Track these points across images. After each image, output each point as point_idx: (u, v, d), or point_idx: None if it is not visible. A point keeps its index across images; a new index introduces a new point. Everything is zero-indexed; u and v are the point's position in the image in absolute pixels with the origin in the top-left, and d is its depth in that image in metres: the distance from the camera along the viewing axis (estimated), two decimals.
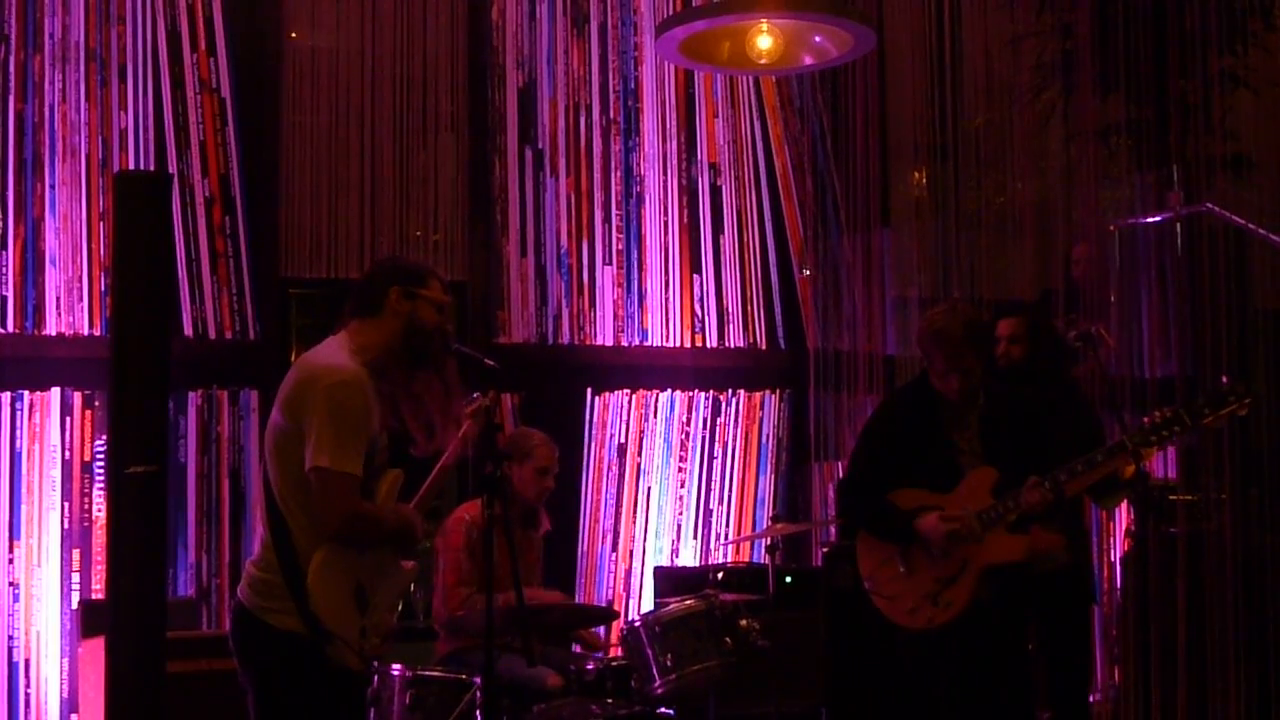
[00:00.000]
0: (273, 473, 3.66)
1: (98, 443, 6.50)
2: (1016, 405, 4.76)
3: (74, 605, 6.40)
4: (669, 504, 7.63)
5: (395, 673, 4.82)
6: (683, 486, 7.67)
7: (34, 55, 6.61)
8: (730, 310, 7.88)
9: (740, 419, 7.83)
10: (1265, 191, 6.62)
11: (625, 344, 7.67)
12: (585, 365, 7.58)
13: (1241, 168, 6.67)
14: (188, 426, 6.73)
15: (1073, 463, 4.53)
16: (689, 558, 7.62)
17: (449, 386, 3.82)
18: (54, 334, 6.57)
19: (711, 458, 7.75)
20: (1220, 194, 6.30)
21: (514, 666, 4.94)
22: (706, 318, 7.82)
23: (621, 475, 7.57)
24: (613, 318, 7.65)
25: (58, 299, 6.58)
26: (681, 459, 7.69)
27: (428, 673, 4.89)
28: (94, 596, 6.32)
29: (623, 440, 7.59)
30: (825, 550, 6.64)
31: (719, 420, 7.78)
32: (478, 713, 4.64)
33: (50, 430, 6.49)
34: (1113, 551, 6.61)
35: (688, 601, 5.30)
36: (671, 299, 7.76)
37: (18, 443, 6.45)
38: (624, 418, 7.60)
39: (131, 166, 6.68)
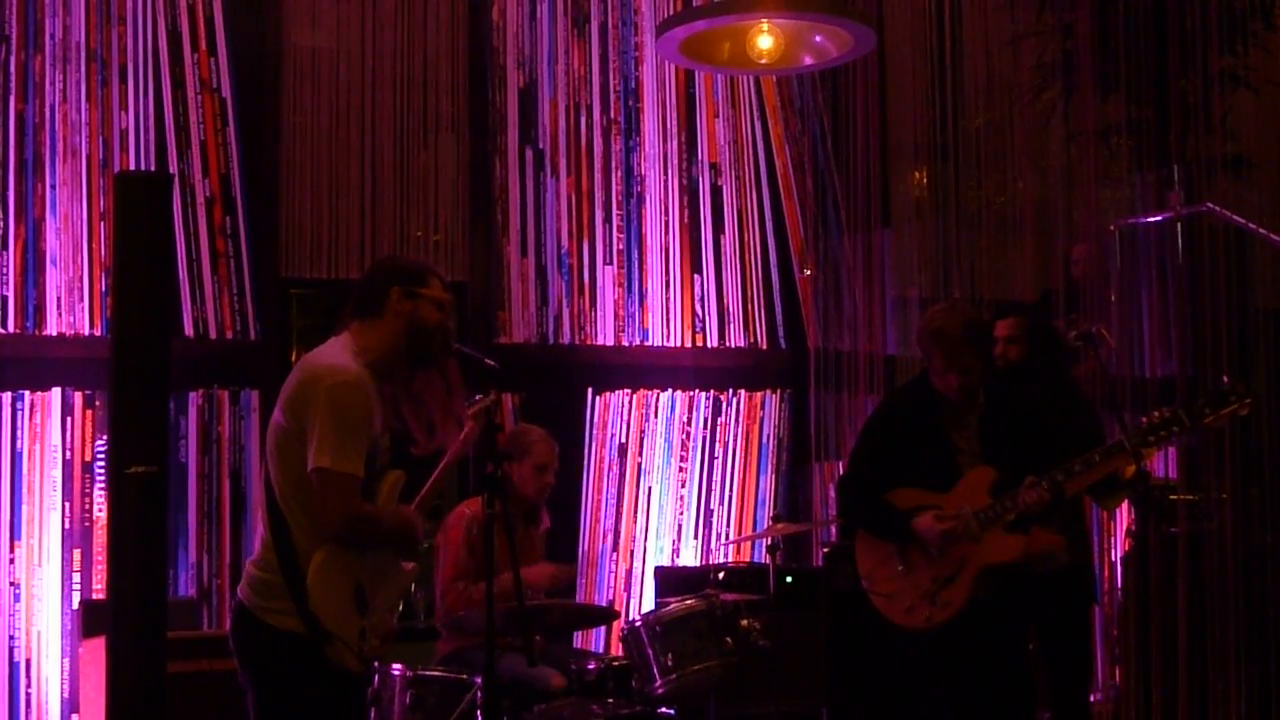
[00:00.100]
0: (274, 473, 3.66)
1: (98, 443, 6.50)
2: (1016, 405, 4.76)
3: (75, 605, 6.40)
4: (670, 504, 7.64)
5: (396, 673, 4.82)
6: (683, 486, 7.67)
7: (35, 55, 6.61)
8: (731, 310, 7.88)
9: (741, 419, 7.83)
10: (1265, 191, 6.62)
11: (626, 344, 7.67)
12: (586, 365, 7.58)
13: (1242, 167, 6.66)
14: (188, 427, 6.73)
15: (1070, 463, 4.54)
16: (690, 558, 7.63)
17: (450, 385, 3.82)
18: (55, 334, 6.57)
19: (712, 458, 7.76)
20: (1221, 194, 6.30)
21: (515, 666, 4.94)
22: (707, 318, 7.83)
23: (622, 475, 7.57)
24: (613, 318, 7.65)
25: (58, 299, 6.58)
26: (682, 459, 7.69)
27: (428, 673, 4.90)
28: (95, 596, 6.32)
29: (623, 440, 7.59)
30: (826, 550, 6.64)
31: (720, 420, 7.78)
32: (478, 713, 4.64)
33: (51, 430, 6.50)
34: (1114, 551, 6.61)
35: (688, 601, 5.30)
36: (672, 299, 7.76)
37: (19, 443, 6.45)
38: (625, 418, 7.60)
39: (132, 167, 6.68)
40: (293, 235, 7.08)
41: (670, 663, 5.12)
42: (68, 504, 6.48)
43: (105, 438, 6.34)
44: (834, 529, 7.11)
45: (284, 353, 7.06)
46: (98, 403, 6.51)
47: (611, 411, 7.58)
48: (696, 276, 7.81)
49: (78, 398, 6.53)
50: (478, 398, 4.14)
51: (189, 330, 6.78)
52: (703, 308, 7.82)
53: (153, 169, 6.69)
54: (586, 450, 7.50)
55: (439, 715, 4.73)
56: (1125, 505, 6.27)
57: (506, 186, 7.49)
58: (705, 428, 7.75)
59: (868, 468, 4.84)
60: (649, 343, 7.71)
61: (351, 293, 3.83)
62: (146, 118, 6.77)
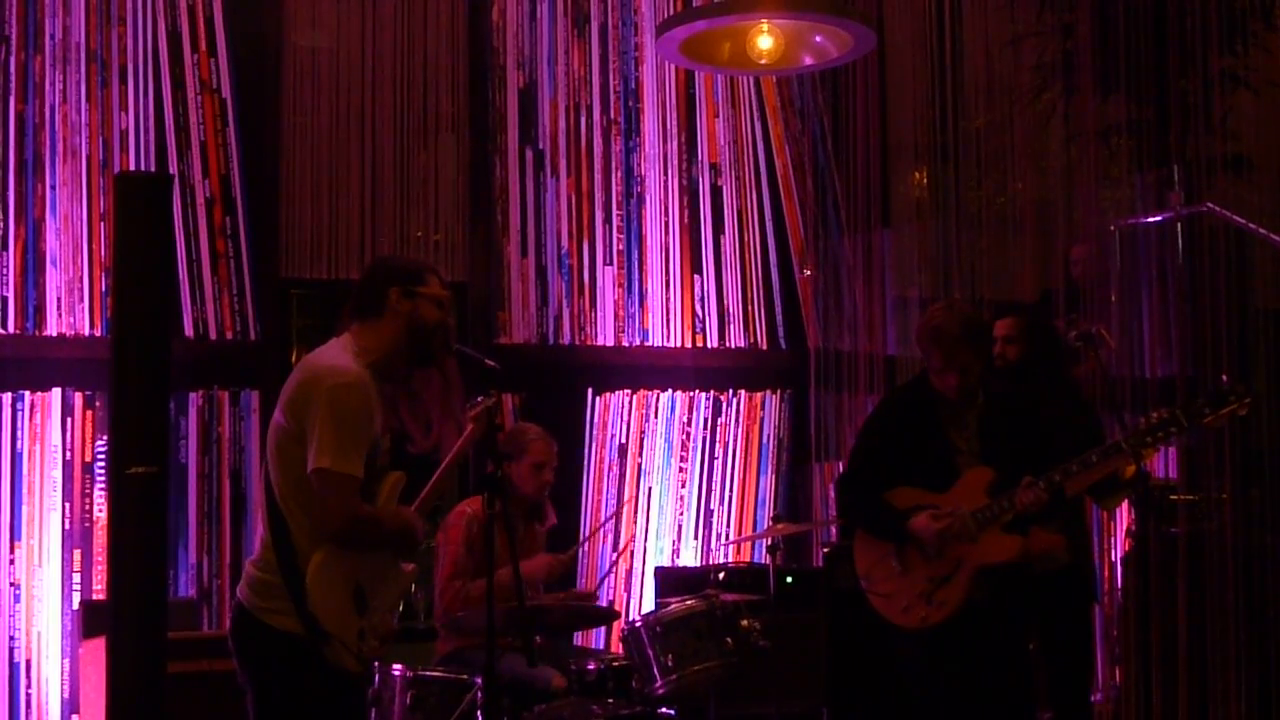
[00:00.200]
0: (274, 473, 3.66)
1: (99, 443, 6.50)
2: (1015, 405, 4.75)
3: (75, 606, 6.40)
4: (670, 504, 7.64)
5: (396, 673, 4.82)
6: (684, 487, 7.67)
7: (35, 56, 6.61)
8: (731, 310, 7.88)
9: (741, 419, 7.83)
10: (1265, 191, 6.61)
11: (626, 344, 7.67)
12: (586, 365, 7.58)
13: (1242, 168, 6.66)
14: (188, 427, 6.73)
15: (1068, 463, 4.54)
16: (690, 558, 7.63)
17: (448, 382, 3.81)
18: (55, 335, 6.57)
19: (712, 458, 7.76)
20: (1221, 194, 6.30)
21: (515, 666, 4.94)
22: (707, 318, 7.83)
23: (622, 475, 7.57)
24: (613, 318, 7.65)
25: (58, 300, 6.58)
26: (682, 459, 7.69)
27: (428, 673, 4.90)
28: (95, 597, 6.32)
29: (623, 440, 7.59)
30: (826, 550, 6.64)
31: (720, 420, 7.78)
32: (479, 713, 4.64)
33: (51, 431, 6.50)
34: (1114, 551, 6.61)
35: (689, 602, 5.30)
36: (672, 299, 7.76)
37: (19, 443, 6.45)
38: (625, 418, 7.60)
39: (132, 167, 6.69)
40: (293, 235, 7.08)
41: (670, 663, 5.11)
42: (68, 504, 6.49)
43: (105, 438, 6.35)
44: (834, 529, 7.11)
45: (284, 353, 7.06)
46: (98, 403, 6.51)
47: (612, 412, 7.58)
48: (696, 277, 7.81)
49: (78, 398, 6.54)
50: (479, 399, 4.13)
51: (189, 331, 6.78)
52: (703, 308, 7.82)
53: (153, 169, 6.69)
54: (587, 451, 7.50)
55: (439, 715, 4.73)
56: (1125, 505, 6.27)
57: (506, 187, 7.49)
58: (705, 428, 7.75)
59: (866, 467, 4.84)
60: (649, 343, 7.71)
61: (350, 294, 3.83)
62: (146, 118, 6.77)
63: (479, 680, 4.64)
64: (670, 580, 7.07)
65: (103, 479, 6.43)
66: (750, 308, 7.92)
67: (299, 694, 3.61)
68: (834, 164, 7.87)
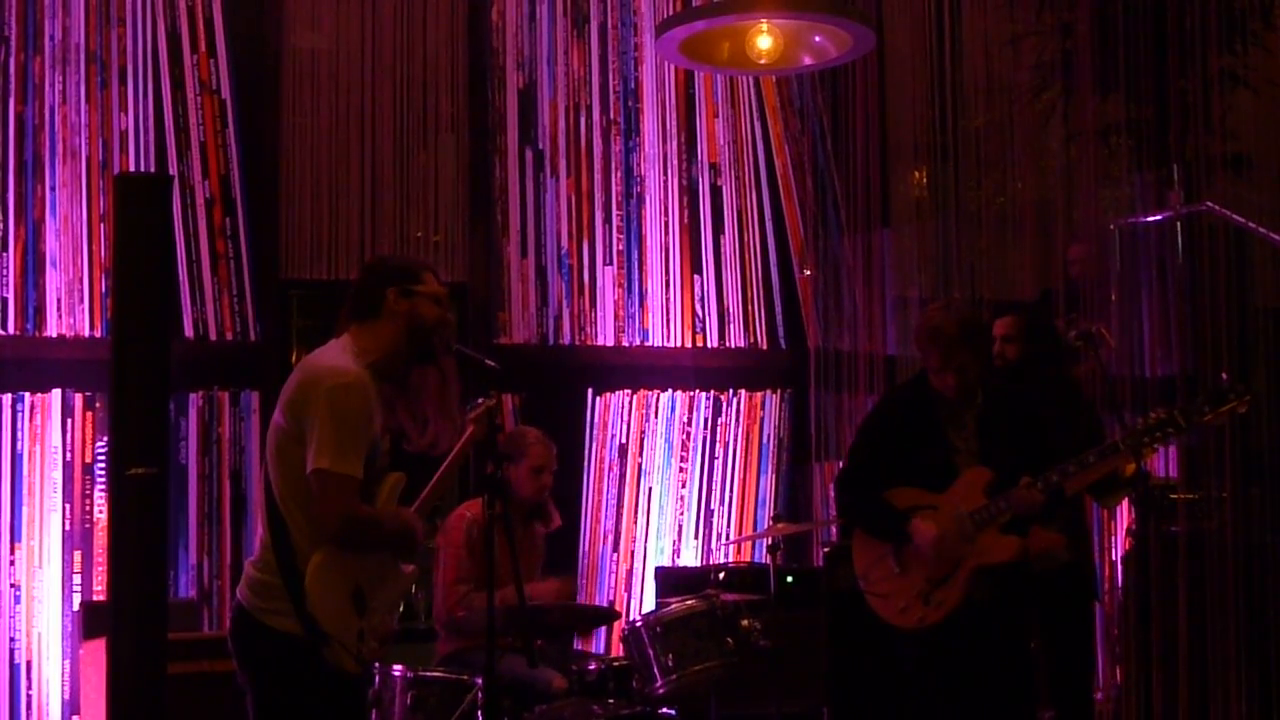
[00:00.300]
0: (273, 474, 3.66)
1: (99, 444, 6.50)
2: (1014, 405, 4.75)
3: (75, 607, 6.40)
4: (670, 504, 7.64)
5: (396, 674, 4.82)
6: (684, 486, 7.67)
7: (34, 57, 6.61)
8: (731, 310, 7.88)
9: (741, 419, 7.83)
10: (1265, 190, 6.62)
11: (626, 344, 7.67)
12: (586, 366, 7.58)
13: (1241, 167, 6.66)
14: (189, 428, 6.73)
15: (1065, 464, 4.53)
16: (690, 558, 7.62)
17: (446, 379, 3.81)
18: (55, 336, 6.57)
19: (712, 458, 7.76)
20: (1220, 193, 6.30)
21: (515, 667, 4.94)
22: (707, 318, 7.82)
23: (622, 475, 7.57)
24: (613, 318, 7.65)
25: (58, 301, 6.58)
26: (682, 459, 7.69)
27: (429, 673, 4.90)
28: (95, 598, 6.32)
29: (624, 440, 7.59)
30: (826, 550, 6.64)
31: (720, 420, 7.78)
32: (479, 713, 4.64)
33: (51, 432, 6.50)
34: (1114, 550, 6.61)
35: (689, 602, 5.30)
36: (672, 299, 7.76)
37: (19, 444, 6.45)
38: (625, 418, 7.60)
39: (132, 168, 6.69)
40: (293, 236, 7.08)
41: (671, 663, 5.11)
42: (68, 505, 6.49)
43: (105, 439, 6.35)
44: (834, 529, 7.11)
45: (284, 354, 7.06)
46: (98, 404, 6.51)
47: (612, 412, 7.58)
48: (696, 277, 7.81)
49: (78, 399, 6.54)
50: (479, 400, 4.13)
51: (189, 331, 6.78)
52: (703, 308, 7.82)
53: (152, 170, 6.69)
54: (587, 451, 7.50)
55: (440, 716, 4.73)
56: (1126, 504, 6.27)
57: (506, 187, 7.49)
58: (705, 428, 7.75)
59: (865, 466, 4.84)
60: (649, 343, 7.70)
61: (347, 296, 3.83)
62: (146, 119, 6.77)
63: (479, 681, 4.64)
64: (670, 580, 7.07)
65: (103, 480, 6.43)
66: (750, 307, 7.92)
67: (299, 695, 3.61)
68: (834, 164, 7.86)
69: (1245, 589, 5.80)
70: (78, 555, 6.48)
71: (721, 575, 6.52)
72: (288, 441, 3.61)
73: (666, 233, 7.77)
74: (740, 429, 7.82)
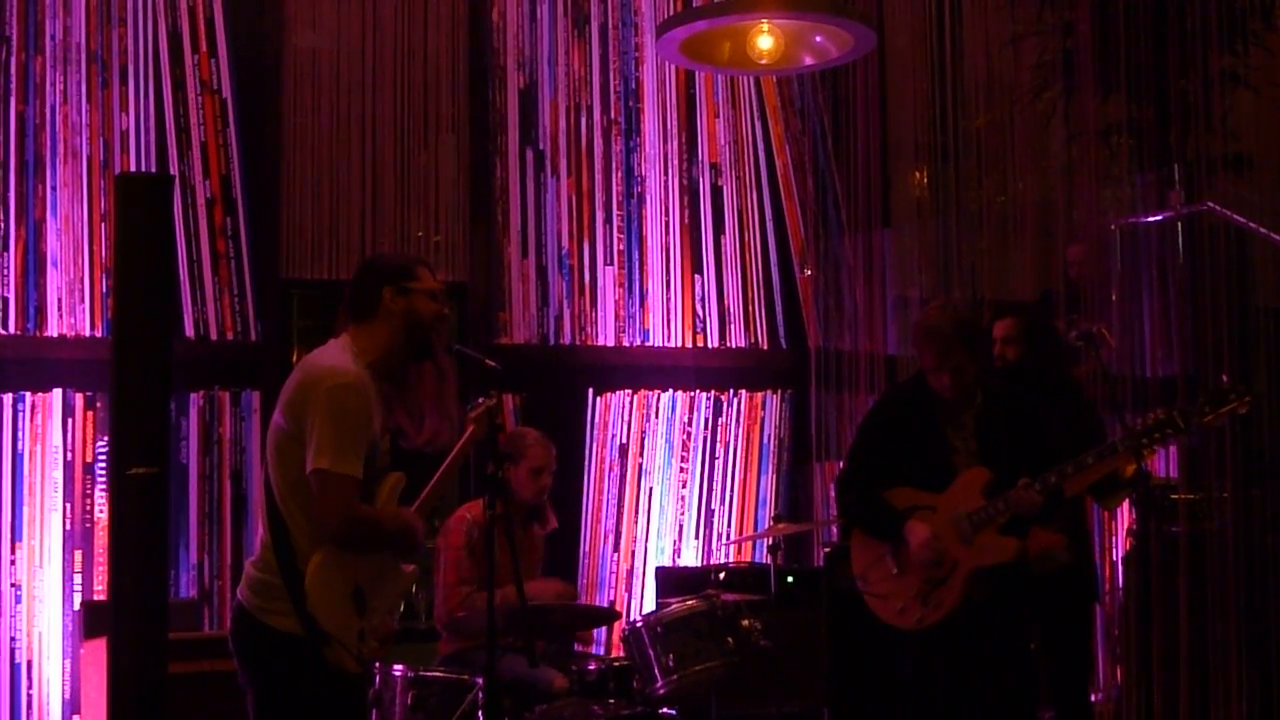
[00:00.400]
0: (273, 474, 3.66)
1: (99, 444, 6.50)
2: (1013, 405, 4.74)
3: (76, 606, 6.40)
4: (670, 504, 7.64)
5: (397, 673, 4.83)
6: (684, 486, 7.67)
7: (35, 57, 6.61)
8: (731, 310, 7.88)
9: (742, 419, 7.83)
10: (1266, 191, 6.61)
11: (627, 344, 7.67)
12: (587, 366, 7.58)
13: (1242, 167, 6.66)
14: (189, 428, 6.73)
15: (1063, 464, 4.53)
16: (691, 558, 7.63)
17: (442, 375, 3.81)
18: (56, 335, 6.57)
19: (713, 458, 7.76)
20: (1221, 193, 6.29)
21: (516, 667, 4.94)
22: (708, 318, 7.82)
23: (623, 475, 7.57)
24: (614, 318, 7.65)
25: (59, 300, 6.59)
26: (683, 459, 7.69)
27: (430, 673, 4.90)
28: (96, 598, 6.33)
29: (624, 440, 7.59)
30: (827, 550, 6.64)
31: (720, 420, 7.78)
32: (480, 713, 4.64)
33: (52, 432, 6.50)
34: (1115, 551, 6.61)
35: (690, 602, 5.30)
36: (673, 299, 7.76)
37: (20, 444, 6.46)
38: (625, 418, 7.60)
39: (133, 168, 6.69)
40: (293, 236, 7.09)
41: (671, 663, 5.11)
42: (69, 505, 6.49)
43: (106, 439, 6.35)
44: (835, 529, 7.11)
45: (285, 354, 7.06)
46: (99, 404, 6.51)
47: (612, 412, 7.58)
48: (697, 277, 7.81)
49: (79, 399, 6.54)
50: (479, 400, 4.13)
51: (190, 331, 6.79)
52: (703, 308, 7.82)
53: (153, 170, 6.69)
54: (587, 451, 7.50)
55: (440, 716, 4.74)
56: (1126, 505, 6.27)
57: (507, 187, 7.49)
58: (706, 428, 7.75)
59: (864, 465, 4.83)
60: (650, 343, 7.71)
61: (343, 297, 3.83)
62: (147, 119, 6.78)
63: (480, 681, 4.64)
64: (671, 580, 7.07)
65: (104, 480, 6.44)
66: (751, 308, 7.92)
67: (299, 695, 3.61)
68: (834, 164, 7.87)
69: (1246, 590, 5.80)
70: (78, 555, 6.48)
71: (722, 575, 6.52)
72: (287, 442, 3.61)
73: (667, 233, 7.77)
74: (741, 429, 7.82)
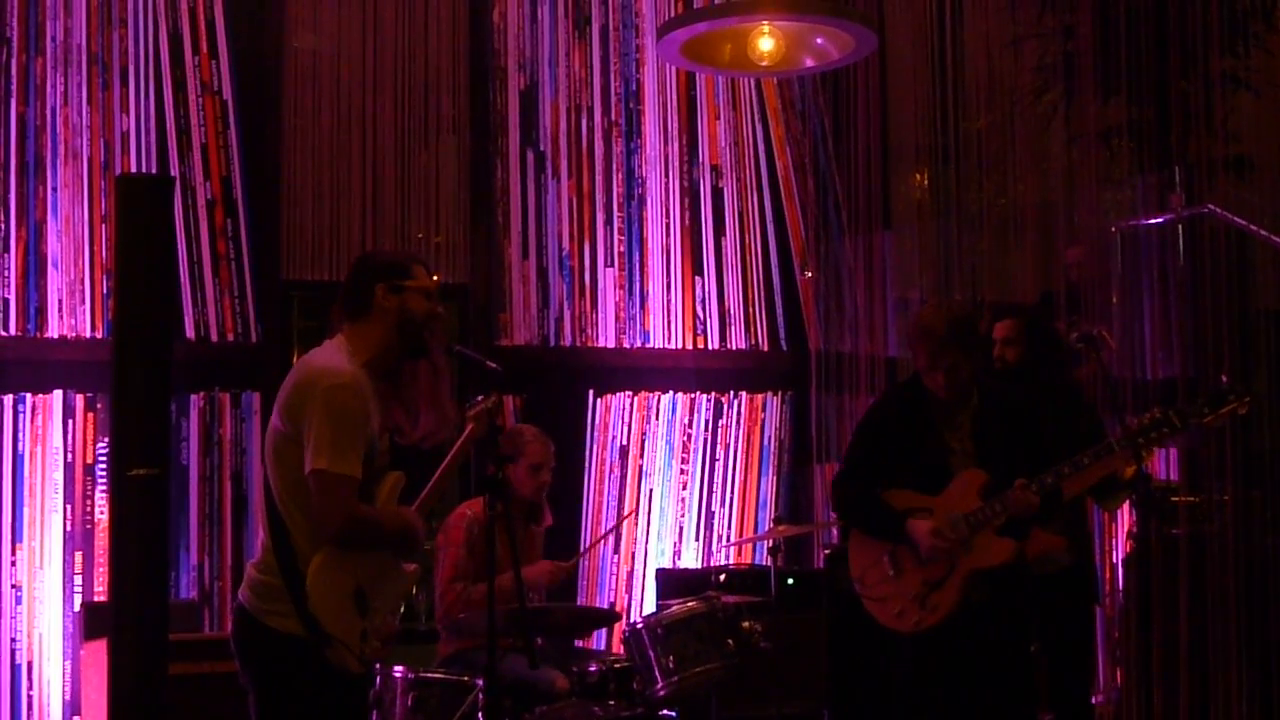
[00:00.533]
0: (272, 475, 3.66)
1: (100, 445, 6.50)
2: (1010, 406, 4.73)
3: (76, 608, 6.40)
4: (671, 506, 7.64)
5: (397, 674, 4.82)
6: (685, 488, 7.67)
7: (36, 58, 6.61)
8: (732, 312, 7.88)
9: (742, 421, 7.83)
10: (1267, 193, 6.61)
11: (627, 346, 7.67)
12: (587, 367, 7.58)
13: (1243, 169, 6.66)
14: (190, 429, 6.73)
15: (1059, 465, 4.52)
16: (691, 559, 7.63)
17: (436, 371, 3.80)
18: (56, 337, 6.57)
19: (713, 459, 7.76)
20: (1222, 195, 6.29)
21: (517, 667, 4.94)
22: (708, 319, 7.82)
23: (623, 477, 7.57)
24: (614, 320, 7.66)
25: (60, 302, 6.59)
26: (683, 461, 7.69)
27: (430, 674, 4.90)
28: (96, 599, 6.33)
29: (624, 442, 7.59)
30: (827, 552, 6.64)
31: (721, 422, 7.78)
32: (480, 714, 4.64)
33: (52, 433, 6.50)
34: (1115, 553, 6.61)
35: (690, 603, 5.29)
36: (673, 301, 7.76)
37: (20, 445, 6.45)
38: (626, 419, 7.60)
39: (133, 169, 6.69)
40: (294, 237, 7.09)
41: (672, 665, 5.11)
42: (69, 506, 6.49)
43: (107, 440, 6.35)
44: (835, 531, 7.10)
45: (285, 355, 7.06)
46: (99, 405, 6.51)
47: (613, 413, 7.58)
48: (697, 278, 7.81)
49: (79, 400, 6.54)
50: (479, 399, 4.13)
51: (190, 332, 6.78)
52: (704, 310, 7.82)
53: (154, 171, 6.69)
54: (587, 452, 7.50)
55: (441, 717, 4.73)
56: (1126, 507, 6.26)
57: (508, 188, 7.49)
58: (706, 430, 7.75)
59: (862, 465, 4.83)
60: (650, 345, 7.71)
61: (338, 296, 3.82)
62: (148, 120, 6.78)
63: (480, 682, 4.64)
64: (671, 582, 7.07)
65: (104, 481, 6.44)
66: (751, 309, 7.92)
67: (301, 695, 3.61)
68: (835, 165, 7.87)
69: (1246, 592, 5.79)
70: (79, 556, 6.48)
71: (722, 577, 6.52)
72: (285, 443, 3.61)
73: (668, 234, 7.77)
74: (741, 431, 7.82)
